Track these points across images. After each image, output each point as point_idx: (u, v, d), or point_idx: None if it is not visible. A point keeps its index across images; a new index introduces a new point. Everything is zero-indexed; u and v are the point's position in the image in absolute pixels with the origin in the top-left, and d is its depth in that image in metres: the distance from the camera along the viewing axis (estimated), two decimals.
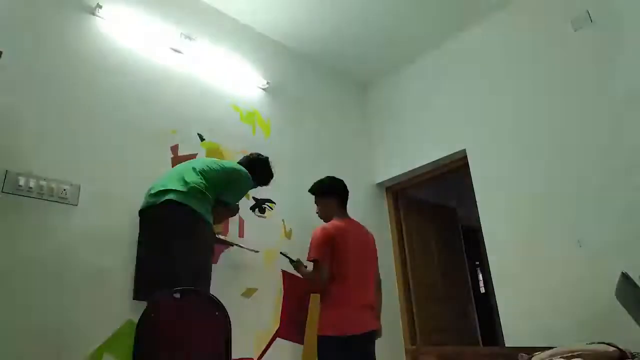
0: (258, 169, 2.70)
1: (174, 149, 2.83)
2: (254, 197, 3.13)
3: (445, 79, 3.81)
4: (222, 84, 3.26)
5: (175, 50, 3.05)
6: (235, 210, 2.65)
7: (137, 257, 2.26)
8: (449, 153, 3.60)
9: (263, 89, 3.52)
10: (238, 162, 2.67)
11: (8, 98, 2.27)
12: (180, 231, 2.11)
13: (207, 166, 2.40)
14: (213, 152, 3.02)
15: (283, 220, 3.25)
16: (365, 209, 3.91)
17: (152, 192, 2.26)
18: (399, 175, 3.98)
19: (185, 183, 2.23)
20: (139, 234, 2.28)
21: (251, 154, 2.81)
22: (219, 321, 1.74)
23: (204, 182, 2.29)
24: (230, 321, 1.79)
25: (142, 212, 2.28)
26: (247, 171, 2.53)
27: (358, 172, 4.04)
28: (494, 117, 3.37)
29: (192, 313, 1.73)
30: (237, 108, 3.30)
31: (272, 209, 3.21)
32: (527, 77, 3.24)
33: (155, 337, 1.62)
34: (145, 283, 2.12)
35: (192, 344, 1.67)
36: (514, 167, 3.16)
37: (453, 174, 3.81)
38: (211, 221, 2.26)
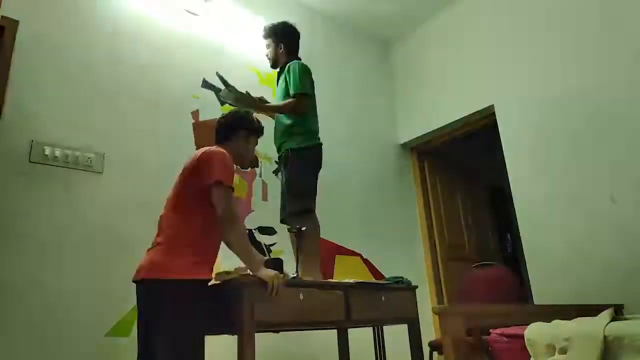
0: (290, 36, 2.56)
1: (195, 114, 2.82)
2: (276, 162, 3.11)
3: (470, 33, 3.62)
4: (238, 45, 3.19)
5: (191, 13, 2.99)
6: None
7: None
8: (476, 110, 3.47)
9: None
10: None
11: (27, 67, 2.27)
12: None
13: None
14: None
15: None
16: (390, 169, 3.86)
17: None
18: (423, 135, 3.88)
19: None
20: None
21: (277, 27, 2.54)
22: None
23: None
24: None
25: None
26: (295, 62, 2.41)
27: (382, 133, 3.96)
28: (523, 71, 3.21)
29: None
30: (255, 70, 3.23)
31: None
32: (557, 28, 3.05)
33: None
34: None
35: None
36: (544, 122, 3.03)
37: (480, 132, 3.69)
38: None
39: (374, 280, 2.97)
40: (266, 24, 2.56)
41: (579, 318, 1.66)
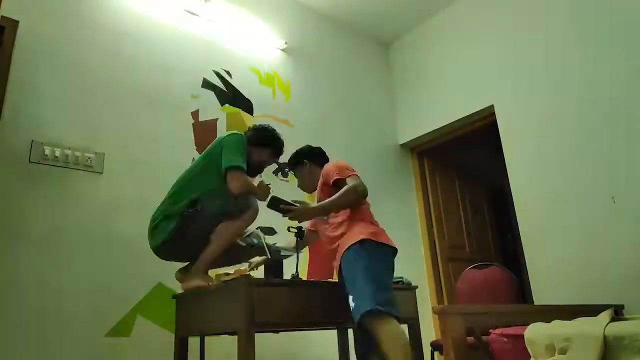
0: (267, 140, 2.26)
1: (195, 114, 2.81)
2: (276, 162, 3.10)
3: (470, 33, 3.62)
4: (239, 45, 3.19)
5: (191, 13, 2.99)
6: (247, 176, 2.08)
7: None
8: (476, 110, 3.48)
9: (282, 49, 3.43)
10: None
11: (27, 67, 2.27)
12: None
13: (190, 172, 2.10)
14: (233, 116, 2.99)
15: None
16: (390, 169, 3.86)
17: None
18: (423, 135, 3.88)
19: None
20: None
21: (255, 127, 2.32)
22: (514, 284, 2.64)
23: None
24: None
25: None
26: (233, 133, 2.12)
27: (382, 133, 3.96)
28: (523, 71, 3.21)
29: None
30: (255, 70, 3.23)
31: None
32: (558, 28, 3.05)
33: None
34: None
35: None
36: (544, 123, 3.03)
37: (480, 132, 3.69)
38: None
39: None
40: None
41: (578, 318, 1.66)
